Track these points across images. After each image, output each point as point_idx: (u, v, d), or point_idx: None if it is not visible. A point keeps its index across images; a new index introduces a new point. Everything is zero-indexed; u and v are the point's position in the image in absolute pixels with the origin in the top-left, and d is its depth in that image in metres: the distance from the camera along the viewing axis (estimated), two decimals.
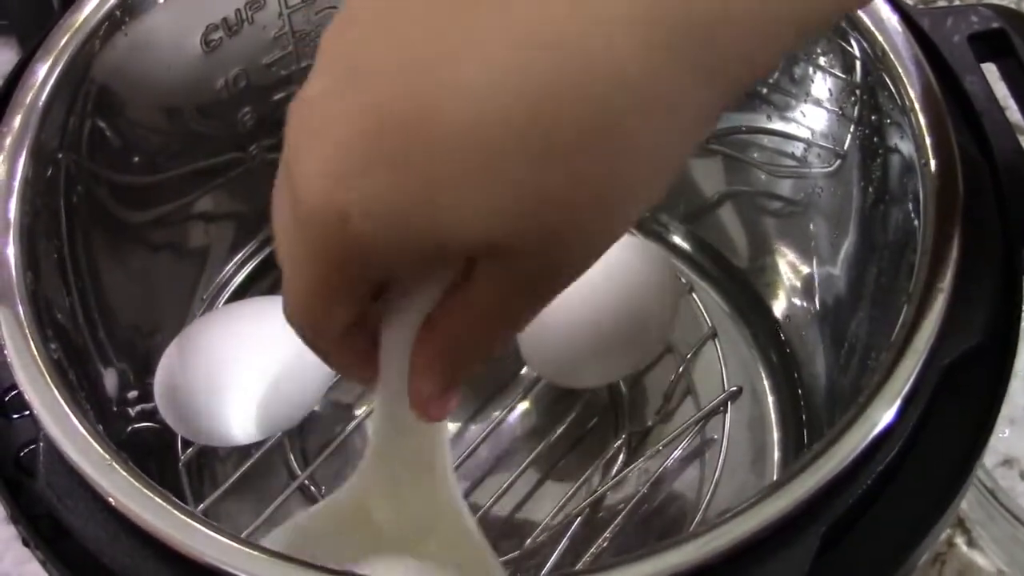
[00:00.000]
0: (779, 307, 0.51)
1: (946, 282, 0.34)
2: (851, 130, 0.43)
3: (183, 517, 0.31)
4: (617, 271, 0.44)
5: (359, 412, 0.48)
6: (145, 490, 0.31)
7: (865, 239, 0.43)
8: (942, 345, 0.33)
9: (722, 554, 0.30)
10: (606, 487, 0.46)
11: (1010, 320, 0.35)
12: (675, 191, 0.50)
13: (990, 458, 0.56)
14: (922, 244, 0.35)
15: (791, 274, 0.50)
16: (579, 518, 0.45)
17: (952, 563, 0.54)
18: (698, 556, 0.30)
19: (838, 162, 0.44)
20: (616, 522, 0.45)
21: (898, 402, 0.32)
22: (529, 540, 0.44)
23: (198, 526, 0.31)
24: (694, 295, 0.50)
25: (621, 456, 0.47)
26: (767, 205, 0.49)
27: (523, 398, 0.48)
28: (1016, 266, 0.36)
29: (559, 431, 0.47)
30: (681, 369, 0.49)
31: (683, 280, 0.50)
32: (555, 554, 0.44)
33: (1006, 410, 0.57)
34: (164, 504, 0.31)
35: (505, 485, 0.45)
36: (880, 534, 0.32)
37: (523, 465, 0.46)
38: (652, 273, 0.45)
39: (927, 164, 0.36)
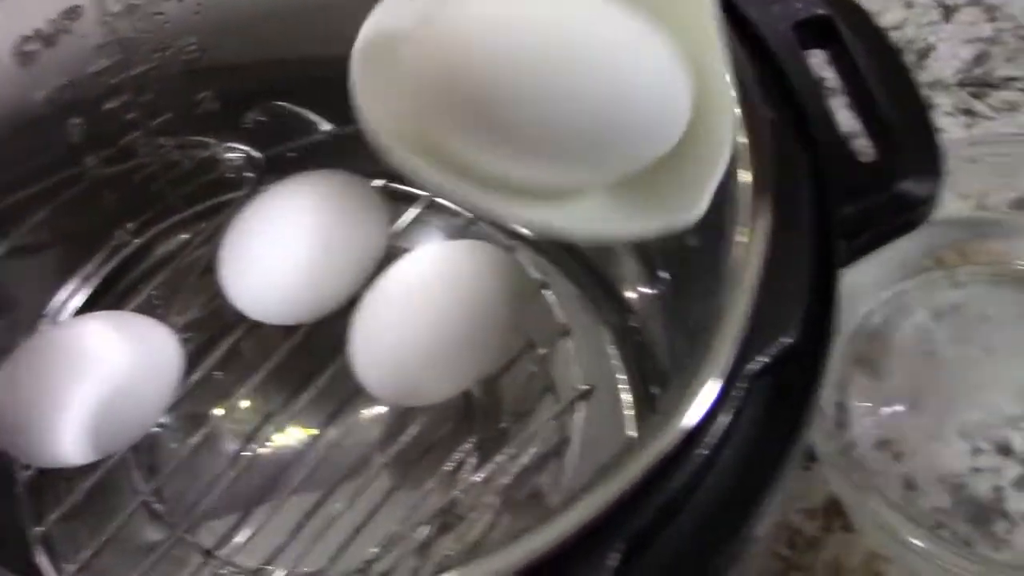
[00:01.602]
0: (629, 294, 0.50)
1: (754, 278, 0.33)
2: None
3: None
4: (455, 280, 0.43)
5: (205, 429, 0.46)
6: None
7: None
8: (752, 345, 0.33)
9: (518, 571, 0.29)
10: (457, 493, 0.45)
11: (825, 317, 0.35)
12: None
13: (865, 440, 0.56)
14: (734, 237, 0.34)
15: (633, 259, 0.49)
16: (429, 526, 0.44)
17: (829, 548, 0.54)
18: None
19: None
20: (468, 527, 0.44)
21: (701, 407, 0.31)
22: (379, 548, 0.43)
23: None
24: (550, 291, 0.50)
25: (474, 460, 0.46)
26: None
27: (375, 404, 0.47)
28: (832, 260, 0.35)
29: (410, 437, 0.46)
30: (536, 369, 0.48)
31: (539, 276, 0.49)
32: (403, 562, 0.43)
33: (882, 390, 0.57)
34: None
35: (355, 493, 0.45)
36: (686, 541, 0.32)
37: (374, 472, 0.45)
38: (493, 277, 0.44)
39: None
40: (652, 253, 0.46)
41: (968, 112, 0.66)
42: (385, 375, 0.43)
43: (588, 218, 0.32)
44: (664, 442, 0.31)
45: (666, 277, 0.45)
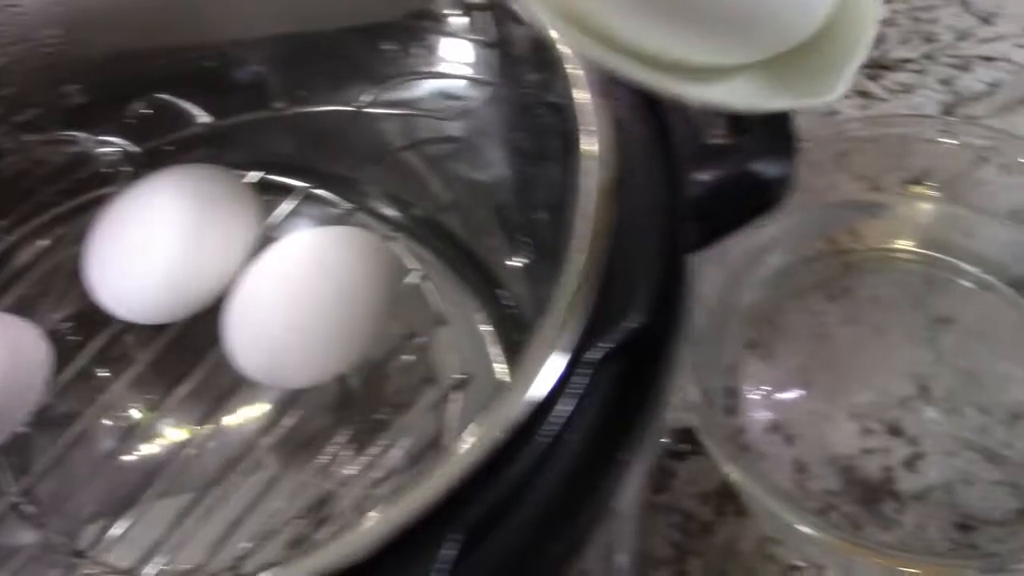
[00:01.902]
0: (500, 273, 0.50)
1: (594, 262, 0.33)
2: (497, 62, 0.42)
3: None
4: (327, 264, 0.43)
5: (78, 428, 0.46)
6: None
7: (532, 185, 0.42)
8: (595, 330, 0.32)
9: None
10: (332, 486, 0.45)
11: (674, 300, 0.34)
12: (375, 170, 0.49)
13: (756, 425, 0.56)
14: (575, 219, 0.33)
15: (499, 234, 0.49)
16: (305, 520, 0.44)
17: (722, 533, 0.54)
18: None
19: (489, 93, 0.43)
20: (341, 521, 0.43)
21: (537, 394, 0.31)
22: (251, 543, 0.43)
23: None
24: (429, 281, 0.49)
25: (350, 452, 0.46)
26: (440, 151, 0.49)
27: (254, 398, 0.46)
28: (682, 243, 0.35)
29: (287, 429, 0.45)
30: (415, 359, 0.48)
31: (416, 266, 0.49)
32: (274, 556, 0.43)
33: (774, 374, 0.57)
34: None
35: (233, 488, 0.45)
36: (528, 530, 0.31)
37: (251, 466, 0.45)
38: (365, 263, 0.44)
39: (577, 122, 0.35)
40: (513, 229, 0.46)
41: (863, 94, 0.66)
42: (257, 353, 0.43)
43: (742, 93, 0.33)
44: (493, 433, 0.30)
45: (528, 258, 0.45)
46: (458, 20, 0.44)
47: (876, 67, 0.65)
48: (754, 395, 0.56)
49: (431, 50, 0.46)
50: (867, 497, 0.54)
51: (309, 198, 0.50)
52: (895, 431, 0.55)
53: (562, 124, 0.36)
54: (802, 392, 0.56)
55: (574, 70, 0.36)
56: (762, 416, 0.55)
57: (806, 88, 0.33)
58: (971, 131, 0.57)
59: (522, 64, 0.41)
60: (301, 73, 0.50)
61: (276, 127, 0.50)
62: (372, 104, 0.49)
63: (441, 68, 0.46)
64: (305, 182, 0.49)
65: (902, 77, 0.65)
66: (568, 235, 0.33)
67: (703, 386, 0.54)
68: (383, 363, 0.47)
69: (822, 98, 0.33)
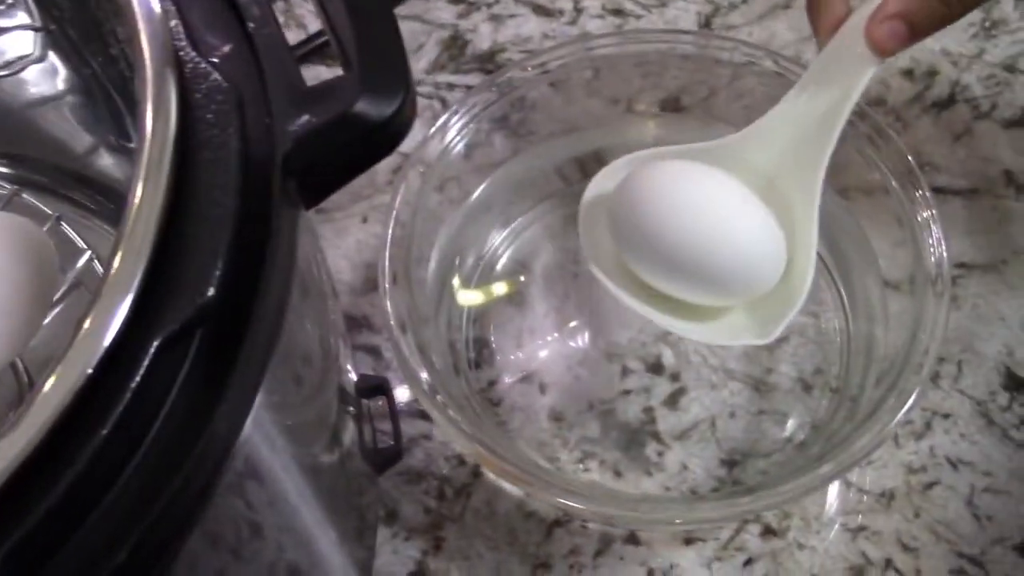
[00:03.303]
0: None
1: (148, 235, 0.29)
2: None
3: None
4: None
5: None
6: None
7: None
8: (150, 311, 0.29)
9: None
10: None
11: (260, 266, 0.30)
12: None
13: (508, 375, 0.52)
14: (135, 192, 0.29)
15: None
16: None
17: (480, 494, 0.51)
18: None
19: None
20: None
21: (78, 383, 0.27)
22: None
23: None
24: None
25: None
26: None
27: None
28: (273, 203, 0.31)
29: None
30: None
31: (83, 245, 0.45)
32: None
33: (525, 322, 0.54)
34: None
35: None
36: (97, 539, 0.27)
37: None
38: (13, 248, 0.40)
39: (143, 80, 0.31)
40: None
41: (617, 12, 0.62)
42: None
43: (707, 331, 0.45)
44: (30, 432, 0.26)
45: None
46: None
47: None
48: (505, 346, 0.53)
49: None
50: (628, 442, 0.51)
51: None
52: (655, 368, 0.52)
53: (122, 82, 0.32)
54: (556, 336, 0.53)
55: (137, 23, 0.31)
56: (514, 366, 0.52)
57: (752, 329, 0.45)
58: (724, 45, 0.53)
59: (81, 18, 0.37)
60: None
61: None
62: None
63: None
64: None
65: None
66: (129, 207, 0.29)
67: (448, 340, 0.51)
68: None
69: (763, 339, 0.44)
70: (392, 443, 0.49)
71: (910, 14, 0.40)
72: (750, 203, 0.44)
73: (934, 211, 0.47)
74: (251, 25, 0.34)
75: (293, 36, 0.58)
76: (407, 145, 0.51)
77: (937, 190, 0.55)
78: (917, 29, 0.40)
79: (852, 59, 0.42)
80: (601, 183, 0.47)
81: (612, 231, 0.45)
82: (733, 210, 0.43)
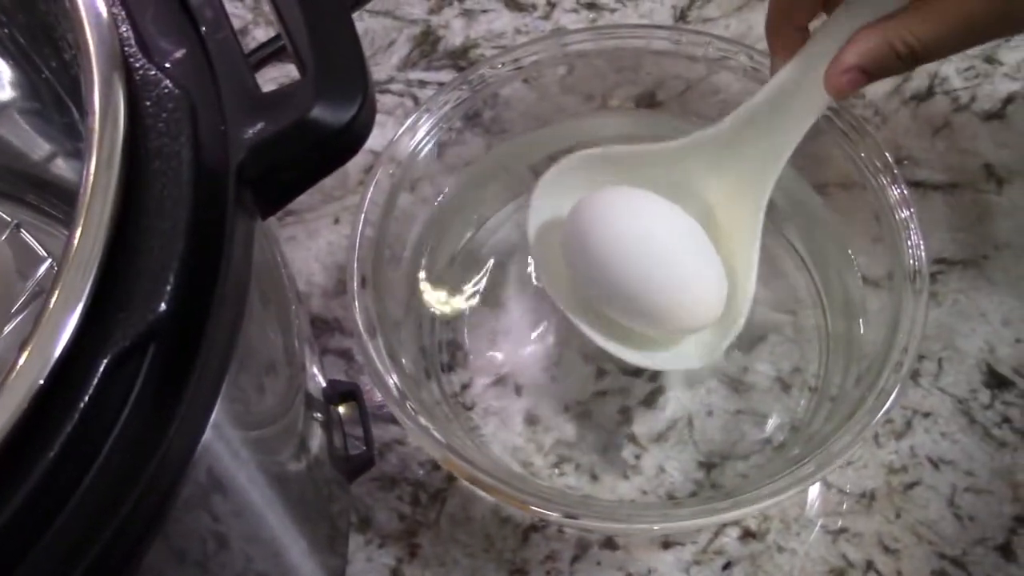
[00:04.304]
0: None
1: (97, 245, 0.28)
2: None
3: None
4: None
5: None
6: None
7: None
8: (99, 326, 0.28)
9: None
10: None
11: (213, 278, 0.30)
12: None
13: (482, 378, 0.52)
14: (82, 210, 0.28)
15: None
16: None
17: (455, 499, 0.50)
18: None
19: None
20: None
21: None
22: None
23: None
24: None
25: None
26: None
27: None
28: (227, 212, 0.30)
29: None
30: None
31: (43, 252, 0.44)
32: None
33: (499, 324, 0.53)
34: None
35: None
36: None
37: None
38: None
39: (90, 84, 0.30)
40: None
41: (591, 5, 0.61)
42: None
43: (648, 356, 0.47)
44: None
45: None
46: None
47: None
48: (479, 348, 0.52)
49: None
50: (604, 444, 0.50)
51: None
52: (633, 371, 0.51)
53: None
54: (530, 337, 0.52)
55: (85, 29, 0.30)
56: (487, 368, 0.51)
57: (693, 355, 0.47)
58: (699, 40, 0.52)
59: (30, 23, 0.36)
60: None
61: None
62: None
63: None
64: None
65: None
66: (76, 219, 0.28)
67: (420, 343, 0.50)
68: None
69: (702, 362, 0.47)
70: (364, 449, 0.48)
71: (867, 67, 0.42)
72: (694, 236, 0.45)
73: (912, 207, 0.46)
74: (204, 29, 0.32)
75: (263, 34, 0.57)
76: (379, 144, 0.51)
77: (916, 184, 0.54)
78: (874, 77, 0.42)
79: (804, 97, 0.44)
80: (548, 185, 0.48)
81: (563, 255, 0.46)
82: (677, 243, 0.45)
